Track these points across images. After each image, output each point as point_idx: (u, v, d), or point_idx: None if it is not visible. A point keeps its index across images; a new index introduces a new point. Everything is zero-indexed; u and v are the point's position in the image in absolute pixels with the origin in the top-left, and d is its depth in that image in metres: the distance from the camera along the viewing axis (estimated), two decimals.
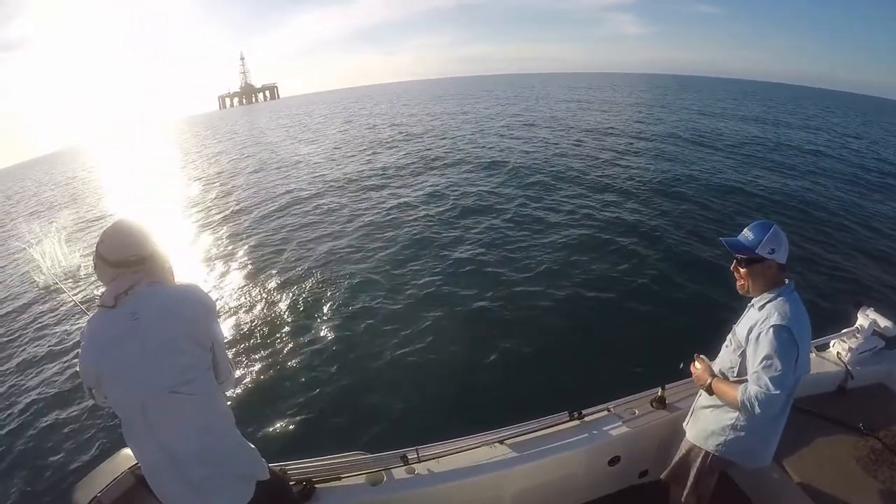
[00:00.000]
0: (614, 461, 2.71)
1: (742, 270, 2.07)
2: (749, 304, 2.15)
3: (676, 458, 2.45)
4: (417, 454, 2.42)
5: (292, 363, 6.11)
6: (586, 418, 2.68)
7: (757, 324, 1.97)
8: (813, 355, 3.07)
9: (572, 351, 5.84)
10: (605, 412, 2.73)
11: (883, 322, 3.00)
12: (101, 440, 5.21)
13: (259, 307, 7.63)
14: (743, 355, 2.04)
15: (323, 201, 13.72)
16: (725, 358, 2.19)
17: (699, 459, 2.29)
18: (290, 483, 2.22)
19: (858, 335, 3.09)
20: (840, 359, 3.13)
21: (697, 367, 2.29)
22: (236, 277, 9.09)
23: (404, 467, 2.39)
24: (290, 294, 7.89)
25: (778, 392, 1.83)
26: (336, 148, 24.70)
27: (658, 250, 8.47)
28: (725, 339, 2.25)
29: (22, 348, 7.82)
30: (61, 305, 9.08)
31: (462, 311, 6.86)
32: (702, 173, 14.10)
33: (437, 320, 6.63)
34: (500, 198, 12.29)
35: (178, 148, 44.56)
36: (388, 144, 23.56)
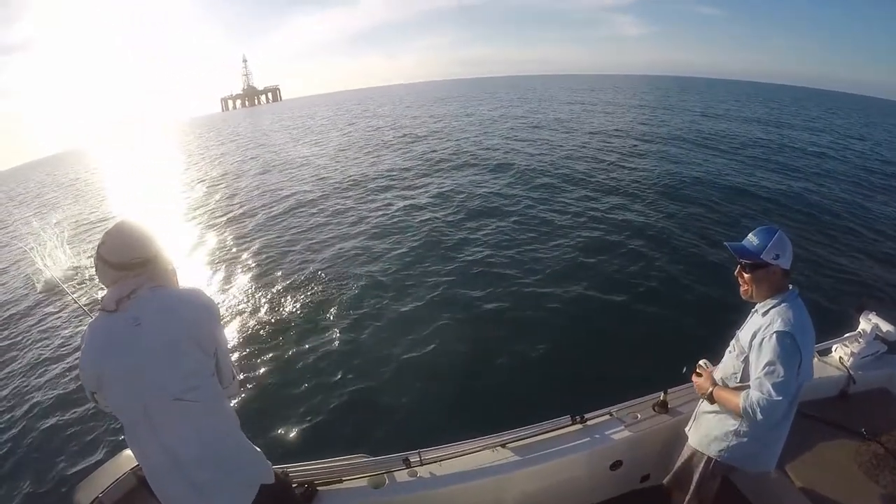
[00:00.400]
0: (616, 465, 2.70)
1: (746, 276, 2.07)
2: (753, 310, 2.15)
3: (679, 463, 2.45)
4: (420, 457, 2.42)
5: (295, 365, 6.10)
6: (588, 422, 2.67)
7: (760, 330, 1.97)
8: (815, 360, 3.07)
9: (575, 354, 5.83)
10: (608, 416, 2.73)
11: (885, 326, 2.99)
12: (103, 441, 5.22)
13: (263, 310, 7.64)
14: (746, 361, 2.04)
15: (328, 203, 13.73)
16: (728, 363, 2.19)
17: (702, 464, 2.29)
18: (292, 485, 2.21)
19: (860, 340, 3.08)
20: (842, 363, 3.12)
21: (699, 376, 2.29)
22: (241, 280, 9.09)
23: (406, 470, 2.39)
24: (295, 296, 7.89)
25: (780, 398, 1.82)
26: (341, 150, 24.73)
27: (663, 253, 8.45)
28: (728, 345, 2.25)
29: (26, 349, 7.84)
30: (64, 308, 9.10)
31: (464, 313, 6.86)
32: (707, 175, 14.08)
33: (439, 323, 6.63)
34: (505, 200, 12.28)
35: (182, 149, 44.75)
36: (393, 146, 23.59)
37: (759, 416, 1.86)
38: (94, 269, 1.60)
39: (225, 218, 13.88)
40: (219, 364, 1.70)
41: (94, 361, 1.51)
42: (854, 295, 6.86)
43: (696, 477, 2.32)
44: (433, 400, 5.22)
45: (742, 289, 2.12)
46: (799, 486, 2.48)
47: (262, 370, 6.05)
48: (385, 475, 2.38)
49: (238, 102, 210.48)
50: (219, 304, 7.22)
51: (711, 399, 2.18)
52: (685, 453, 2.42)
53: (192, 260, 10.58)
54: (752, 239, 2.03)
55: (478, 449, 2.49)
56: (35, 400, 6.31)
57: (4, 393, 6.67)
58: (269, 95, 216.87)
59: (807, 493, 2.44)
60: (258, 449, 1.82)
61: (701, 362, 2.44)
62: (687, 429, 2.44)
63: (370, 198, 13.86)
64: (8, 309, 9.82)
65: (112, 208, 19.79)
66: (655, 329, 6.22)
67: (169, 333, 1.52)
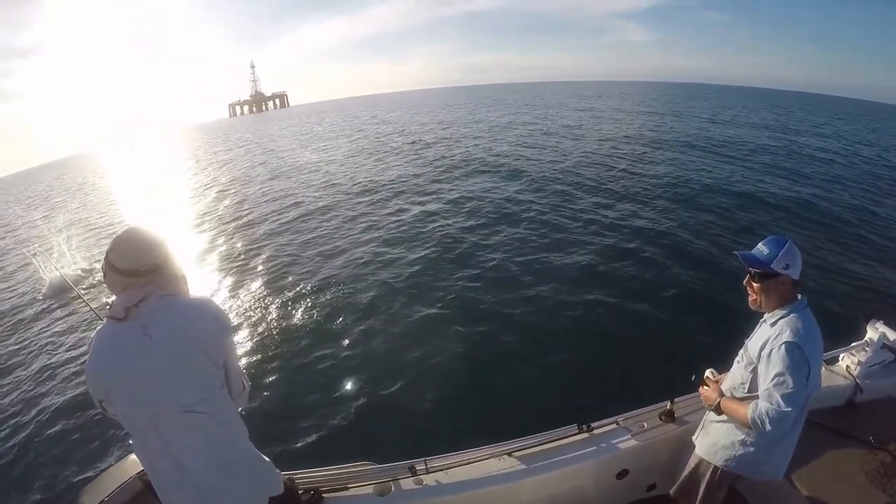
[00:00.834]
0: (622, 475, 2.69)
1: (755, 285, 2.06)
2: (761, 320, 2.14)
3: (685, 473, 2.44)
4: (426, 465, 2.42)
5: (304, 371, 6.12)
6: (595, 431, 2.67)
7: (769, 340, 1.96)
8: (822, 369, 3.06)
9: (582, 362, 5.80)
10: (614, 425, 2.72)
11: (892, 335, 2.99)
12: (110, 446, 5.23)
13: (272, 316, 7.67)
14: (755, 372, 2.04)
15: (338, 210, 13.77)
16: (737, 374, 2.18)
17: (708, 473, 2.28)
18: (299, 492, 2.21)
19: (868, 348, 3.07)
20: (849, 372, 3.11)
21: (706, 387, 2.29)
22: (250, 285, 9.12)
23: (412, 478, 2.39)
24: (304, 303, 7.92)
25: (789, 409, 1.82)
26: (350, 156, 24.85)
27: (672, 261, 8.42)
28: (737, 355, 2.24)
29: (33, 354, 7.90)
30: (71, 313, 9.17)
31: (470, 320, 6.85)
32: (717, 182, 14.07)
33: (446, 330, 6.63)
34: (517, 206, 12.29)
35: (190, 155, 45.02)
36: (402, 153, 23.70)
37: (769, 427, 1.86)
38: (102, 275, 1.57)
39: (234, 224, 13.95)
40: (228, 375, 1.67)
41: (102, 371, 1.49)
42: (863, 301, 6.83)
43: (702, 486, 2.32)
44: (440, 407, 5.21)
45: (751, 298, 2.11)
46: (806, 495, 2.47)
47: (271, 377, 6.07)
48: (391, 483, 2.37)
49: (246, 108, 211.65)
50: (228, 310, 7.25)
51: (719, 410, 2.17)
52: (692, 462, 2.41)
53: (202, 266, 10.63)
54: (762, 248, 2.03)
55: (484, 457, 2.48)
56: (43, 402, 6.36)
57: (12, 397, 6.72)
58: (277, 101, 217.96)
59: (813, 502, 2.43)
60: (267, 459, 1.81)
61: (708, 372, 2.43)
62: (694, 437, 2.43)
63: (381, 204, 13.89)
64: (20, 312, 9.90)
65: (120, 213, 19.97)
66: (662, 337, 6.20)
67: (178, 345, 1.50)
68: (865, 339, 3.09)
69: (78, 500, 2.16)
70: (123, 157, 70.91)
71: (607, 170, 16.14)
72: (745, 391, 2.09)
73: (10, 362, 7.80)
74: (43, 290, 10.62)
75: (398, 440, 4.72)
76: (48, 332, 8.60)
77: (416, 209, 12.85)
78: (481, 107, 59.47)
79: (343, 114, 79.91)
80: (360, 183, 17.07)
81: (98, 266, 11.12)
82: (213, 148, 48.11)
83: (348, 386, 5.72)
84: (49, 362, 7.44)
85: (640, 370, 5.37)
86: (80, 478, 4.87)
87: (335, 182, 17.92)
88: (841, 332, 3.28)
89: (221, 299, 8.50)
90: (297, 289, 8.51)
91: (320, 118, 74.95)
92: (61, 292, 10.10)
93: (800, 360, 1.85)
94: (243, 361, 6.21)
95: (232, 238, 12.55)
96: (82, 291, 9.72)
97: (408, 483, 2.38)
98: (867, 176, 16.22)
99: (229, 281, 9.54)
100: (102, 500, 2.09)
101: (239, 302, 8.43)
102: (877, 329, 3.05)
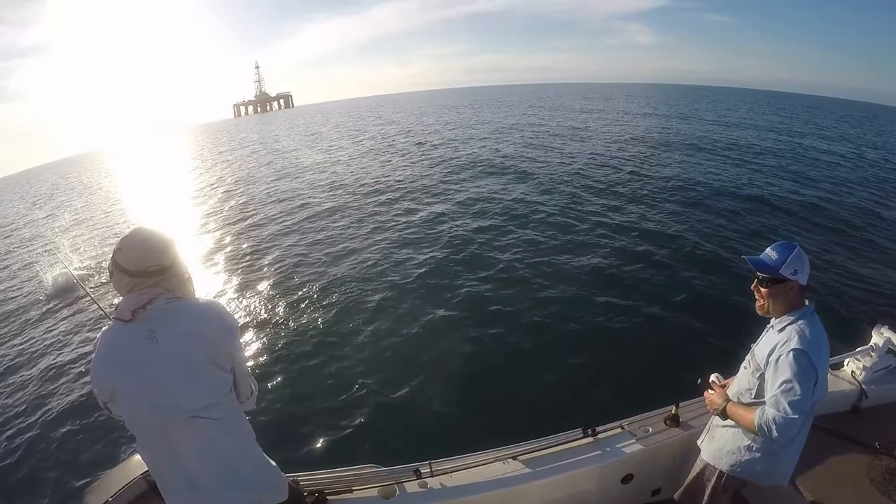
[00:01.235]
0: (627, 479, 2.69)
1: (763, 290, 2.06)
2: (768, 325, 2.13)
3: (690, 477, 2.44)
4: (430, 468, 2.41)
5: (310, 373, 6.12)
6: (600, 435, 2.66)
7: (777, 346, 1.96)
8: (828, 374, 3.05)
9: (586, 365, 5.79)
10: (619, 429, 2.72)
11: None
12: (114, 445, 5.24)
13: (279, 317, 7.67)
14: (762, 378, 2.03)
15: (346, 211, 13.76)
16: (743, 379, 2.18)
17: (714, 478, 2.28)
18: (303, 494, 2.21)
19: (873, 354, 3.06)
20: (854, 377, 3.09)
21: (711, 392, 2.29)
22: (257, 287, 9.09)
23: (417, 481, 2.38)
24: (311, 305, 7.92)
25: (796, 416, 1.82)
26: (356, 157, 24.89)
27: (680, 264, 8.38)
28: (744, 360, 2.23)
29: (38, 354, 7.92)
30: (77, 312, 9.19)
31: (477, 323, 6.84)
32: (724, 185, 14.06)
33: (451, 334, 6.62)
34: (525, 208, 12.28)
35: (196, 154, 45.12)
36: (408, 154, 23.73)
37: (775, 434, 1.85)
38: (108, 275, 1.54)
39: (240, 224, 13.96)
40: (236, 380, 1.66)
41: (107, 373, 1.48)
42: (868, 304, 6.82)
43: (707, 491, 2.31)
44: (445, 410, 5.21)
45: (758, 303, 2.11)
46: (810, 501, 2.46)
47: (277, 378, 6.06)
48: (395, 486, 2.37)
49: (250, 108, 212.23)
50: (235, 312, 7.26)
51: (724, 415, 2.17)
52: (697, 467, 2.40)
53: (208, 267, 10.63)
54: (770, 253, 2.02)
55: (489, 461, 2.48)
56: (48, 405, 6.36)
57: (18, 397, 6.74)
58: (282, 102, 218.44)
59: None
60: (274, 464, 1.80)
61: (713, 376, 2.43)
62: (699, 441, 2.43)
63: (388, 205, 13.89)
64: (28, 312, 9.91)
65: (125, 213, 20.01)
66: (667, 340, 6.18)
67: (185, 350, 1.48)
68: (871, 344, 3.09)
69: (82, 500, 2.16)
70: (129, 155, 71.11)
71: (615, 172, 16.14)
72: (752, 397, 2.08)
73: (16, 361, 7.81)
74: (48, 289, 10.61)
75: (403, 443, 4.73)
76: (54, 332, 8.61)
77: (425, 210, 12.84)
78: (486, 108, 59.54)
79: (348, 114, 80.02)
80: (367, 184, 17.08)
81: (104, 266, 11.17)
82: (219, 147, 48.29)
83: (354, 388, 5.71)
84: (54, 362, 7.45)
85: (644, 374, 5.37)
86: (85, 478, 4.86)
87: (342, 183, 17.92)
88: (846, 336, 3.27)
89: (228, 301, 8.50)
90: (304, 290, 8.51)
91: (325, 118, 75.03)
92: (67, 291, 10.12)
93: (807, 367, 1.85)
94: (250, 363, 6.21)
95: (238, 239, 12.55)
96: (90, 290, 9.74)
97: (412, 486, 2.38)
98: (873, 179, 16.18)
99: (236, 282, 9.53)
100: (107, 501, 2.10)
101: (245, 303, 8.43)
102: (882, 334, 3.04)
